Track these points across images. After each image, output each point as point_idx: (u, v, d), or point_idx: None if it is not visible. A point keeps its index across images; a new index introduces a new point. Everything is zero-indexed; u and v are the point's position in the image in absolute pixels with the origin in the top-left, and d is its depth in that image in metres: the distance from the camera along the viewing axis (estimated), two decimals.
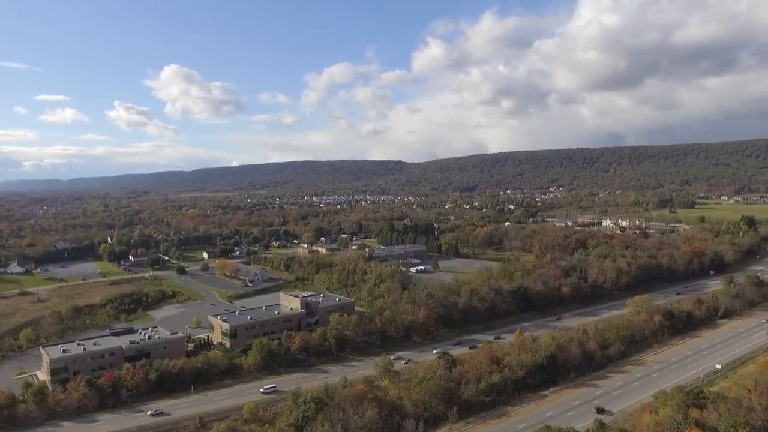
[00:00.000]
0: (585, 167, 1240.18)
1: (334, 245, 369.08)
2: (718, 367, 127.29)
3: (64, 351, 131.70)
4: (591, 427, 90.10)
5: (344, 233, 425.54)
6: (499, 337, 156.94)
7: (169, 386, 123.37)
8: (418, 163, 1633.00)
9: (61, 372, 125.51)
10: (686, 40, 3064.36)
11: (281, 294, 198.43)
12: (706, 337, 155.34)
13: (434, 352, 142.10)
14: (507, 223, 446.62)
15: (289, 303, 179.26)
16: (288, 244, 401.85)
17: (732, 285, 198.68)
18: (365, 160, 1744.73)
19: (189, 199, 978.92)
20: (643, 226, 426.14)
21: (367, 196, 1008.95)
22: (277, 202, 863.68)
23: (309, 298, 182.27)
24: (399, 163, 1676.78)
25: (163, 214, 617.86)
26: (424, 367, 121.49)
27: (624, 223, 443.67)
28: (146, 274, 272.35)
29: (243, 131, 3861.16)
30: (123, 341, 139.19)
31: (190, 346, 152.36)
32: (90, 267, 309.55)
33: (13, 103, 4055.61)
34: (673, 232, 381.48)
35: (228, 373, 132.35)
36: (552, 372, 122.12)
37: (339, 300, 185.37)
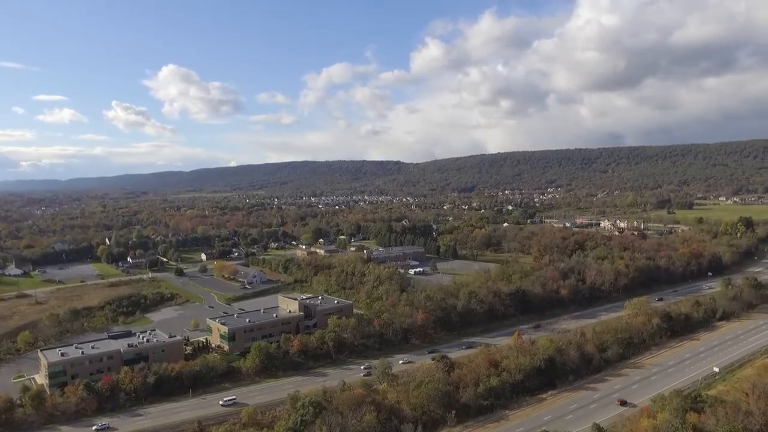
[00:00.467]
0: (583, 167, 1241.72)
1: (333, 247, 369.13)
2: (716, 370, 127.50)
3: (63, 354, 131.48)
4: None
5: (342, 234, 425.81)
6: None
7: (167, 390, 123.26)
8: (417, 164, 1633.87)
9: (59, 376, 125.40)
10: (685, 40, 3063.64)
11: (279, 296, 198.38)
12: (704, 340, 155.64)
13: (430, 355, 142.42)
14: (505, 224, 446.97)
15: (288, 305, 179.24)
16: (286, 246, 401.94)
17: (730, 287, 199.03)
18: (364, 161, 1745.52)
19: (187, 200, 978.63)
20: (641, 227, 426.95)
21: (366, 197, 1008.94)
22: (275, 203, 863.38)
23: (307, 301, 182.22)
24: (398, 163, 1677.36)
25: (161, 215, 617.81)
26: (422, 370, 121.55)
27: (622, 224, 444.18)
28: (144, 276, 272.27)
29: (241, 131, 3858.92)
30: (121, 344, 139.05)
31: (189, 349, 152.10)
32: (88, 269, 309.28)
33: (10, 103, 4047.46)
34: (671, 233, 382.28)
35: (226, 377, 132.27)
36: (550, 375, 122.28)
37: (337, 302, 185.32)
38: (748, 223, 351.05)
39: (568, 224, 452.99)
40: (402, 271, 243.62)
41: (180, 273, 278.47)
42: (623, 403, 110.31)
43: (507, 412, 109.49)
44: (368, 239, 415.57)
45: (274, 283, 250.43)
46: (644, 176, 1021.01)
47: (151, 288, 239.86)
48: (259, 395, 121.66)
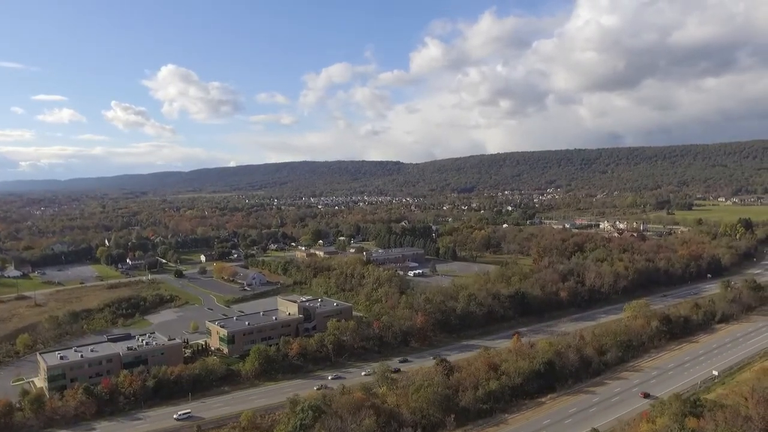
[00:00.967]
0: (583, 168, 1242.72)
1: (332, 248, 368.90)
2: (715, 373, 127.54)
3: (62, 358, 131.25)
4: None
5: (342, 236, 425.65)
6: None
7: (166, 393, 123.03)
8: (417, 164, 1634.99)
9: (58, 379, 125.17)
10: (684, 40, 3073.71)
11: (279, 299, 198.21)
12: (703, 343, 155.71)
13: (430, 358, 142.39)
14: (505, 225, 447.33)
15: (287, 308, 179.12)
16: (286, 247, 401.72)
17: (729, 289, 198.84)
18: (363, 161, 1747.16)
19: (187, 200, 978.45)
20: (641, 228, 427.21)
21: (365, 197, 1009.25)
22: (275, 203, 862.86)
23: (307, 303, 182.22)
24: (397, 163, 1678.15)
25: (160, 216, 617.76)
26: (422, 374, 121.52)
27: (622, 225, 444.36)
28: (144, 278, 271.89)
29: (241, 131, 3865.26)
30: (120, 347, 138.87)
31: (188, 352, 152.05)
32: (87, 270, 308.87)
33: (10, 103, 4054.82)
34: (670, 234, 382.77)
35: (226, 380, 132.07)
36: (549, 379, 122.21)
37: (337, 305, 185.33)
38: (748, 225, 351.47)
39: (567, 225, 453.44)
40: (401, 273, 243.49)
41: (179, 275, 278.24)
42: (646, 395, 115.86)
43: (506, 416, 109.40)
44: (368, 240, 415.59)
45: (273, 285, 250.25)
46: (644, 177, 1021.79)
47: (150, 290, 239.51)
48: (258, 398, 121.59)
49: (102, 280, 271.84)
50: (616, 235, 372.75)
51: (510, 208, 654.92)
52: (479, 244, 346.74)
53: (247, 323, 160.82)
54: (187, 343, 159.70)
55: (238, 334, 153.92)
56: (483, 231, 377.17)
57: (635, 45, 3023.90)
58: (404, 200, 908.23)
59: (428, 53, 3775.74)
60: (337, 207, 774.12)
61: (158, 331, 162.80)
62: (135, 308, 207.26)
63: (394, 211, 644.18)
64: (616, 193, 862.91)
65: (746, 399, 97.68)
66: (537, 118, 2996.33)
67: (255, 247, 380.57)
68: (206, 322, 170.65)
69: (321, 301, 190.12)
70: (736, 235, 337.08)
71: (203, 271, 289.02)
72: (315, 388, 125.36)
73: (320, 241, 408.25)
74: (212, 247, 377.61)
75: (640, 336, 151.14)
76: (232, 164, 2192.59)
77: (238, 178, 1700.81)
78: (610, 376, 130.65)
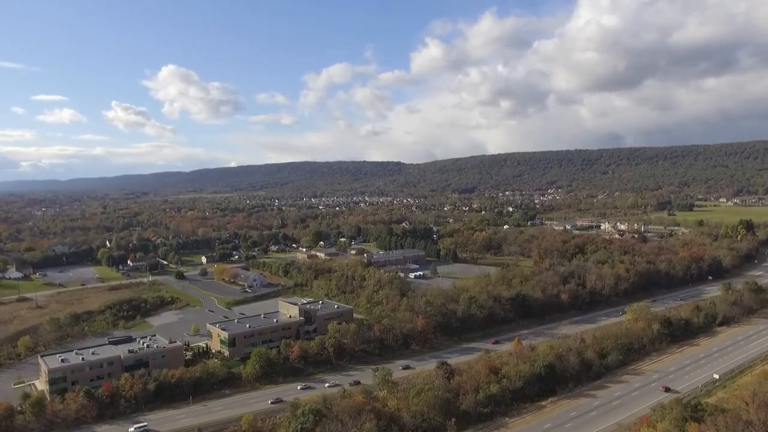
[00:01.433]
0: (583, 168, 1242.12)
1: (333, 249, 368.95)
2: (716, 377, 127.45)
3: (63, 360, 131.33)
4: None
5: (343, 237, 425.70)
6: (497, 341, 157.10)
7: (167, 396, 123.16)
8: (417, 164, 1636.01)
9: (59, 382, 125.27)
10: (685, 40, 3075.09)
11: (280, 301, 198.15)
12: (704, 345, 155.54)
13: (431, 360, 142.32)
14: (506, 227, 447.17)
15: (288, 310, 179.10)
16: (287, 248, 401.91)
17: (730, 291, 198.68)
18: (364, 161, 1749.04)
19: (188, 201, 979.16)
20: (642, 229, 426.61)
21: (366, 198, 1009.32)
22: (276, 204, 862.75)
23: (307, 306, 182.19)
24: (398, 164, 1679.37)
25: (161, 217, 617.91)
26: (422, 377, 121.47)
27: (623, 227, 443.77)
28: (145, 279, 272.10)
29: (241, 132, 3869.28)
30: (121, 350, 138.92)
31: (189, 354, 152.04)
32: (88, 272, 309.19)
33: (10, 103, 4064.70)
34: (671, 235, 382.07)
35: (227, 383, 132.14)
36: (550, 382, 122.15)
37: (337, 307, 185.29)
38: (749, 226, 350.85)
39: (568, 226, 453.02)
40: (402, 275, 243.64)
41: (180, 276, 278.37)
42: (667, 389, 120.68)
43: (507, 419, 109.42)
44: (368, 242, 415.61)
45: (274, 287, 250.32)
46: (644, 177, 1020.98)
47: (151, 292, 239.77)
48: (258, 402, 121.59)
49: (103, 282, 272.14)
50: (617, 236, 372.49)
51: (511, 209, 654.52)
52: (480, 246, 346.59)
53: (247, 326, 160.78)
54: (188, 345, 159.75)
55: (239, 337, 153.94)
56: (484, 233, 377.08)
57: (636, 45, 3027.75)
58: (405, 201, 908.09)
59: (428, 53, 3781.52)
60: (338, 208, 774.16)
61: (159, 333, 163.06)
62: (136, 310, 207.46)
63: (395, 212, 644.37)
64: (617, 193, 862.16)
65: (747, 403, 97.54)
66: (537, 118, 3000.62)
67: (256, 249, 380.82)
68: (207, 324, 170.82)
69: (322, 303, 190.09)
70: (737, 236, 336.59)
71: (204, 273, 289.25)
72: (298, 387, 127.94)
73: (321, 242, 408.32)
74: (213, 248, 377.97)
75: (641, 339, 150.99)
76: (233, 164, 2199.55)
77: (239, 178, 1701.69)
78: (611, 379, 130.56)
